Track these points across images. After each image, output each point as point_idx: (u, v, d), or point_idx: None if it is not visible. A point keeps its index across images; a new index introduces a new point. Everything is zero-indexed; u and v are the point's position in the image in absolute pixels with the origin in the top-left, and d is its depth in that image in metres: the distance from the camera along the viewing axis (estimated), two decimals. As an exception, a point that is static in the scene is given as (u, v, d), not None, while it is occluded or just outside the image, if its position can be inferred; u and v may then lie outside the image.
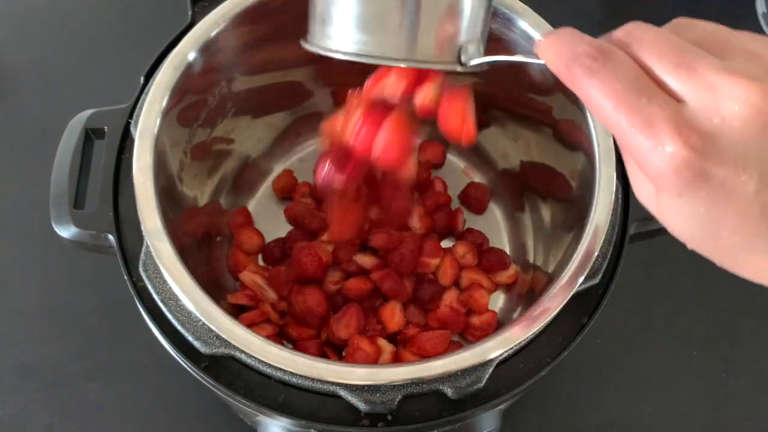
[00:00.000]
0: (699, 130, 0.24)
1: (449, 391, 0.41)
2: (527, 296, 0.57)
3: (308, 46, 0.38)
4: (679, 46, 0.25)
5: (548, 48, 0.28)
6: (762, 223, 0.25)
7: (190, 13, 0.51)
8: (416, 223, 0.60)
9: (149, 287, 0.44)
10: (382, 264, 0.58)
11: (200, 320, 0.41)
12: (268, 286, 0.57)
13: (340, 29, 0.36)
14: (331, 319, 0.55)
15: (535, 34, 0.48)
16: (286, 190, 0.64)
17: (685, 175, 0.24)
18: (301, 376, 0.41)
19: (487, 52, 0.36)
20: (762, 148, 0.24)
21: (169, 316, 0.43)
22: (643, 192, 0.28)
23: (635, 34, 0.27)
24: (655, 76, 0.26)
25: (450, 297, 0.58)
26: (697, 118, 0.24)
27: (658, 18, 0.30)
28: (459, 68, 0.36)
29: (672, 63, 0.25)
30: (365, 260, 0.58)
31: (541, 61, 0.29)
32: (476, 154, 0.65)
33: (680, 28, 0.27)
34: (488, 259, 0.60)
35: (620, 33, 0.27)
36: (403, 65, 0.35)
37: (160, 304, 0.43)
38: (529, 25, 0.48)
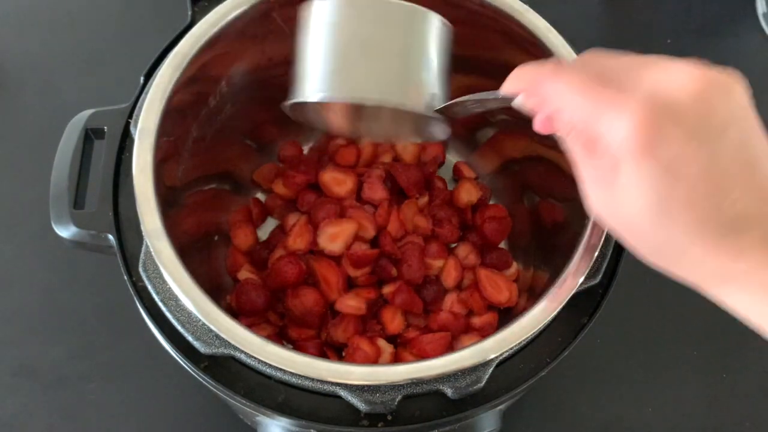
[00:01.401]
0: (656, 99, 0.26)
1: (449, 391, 0.41)
2: (527, 296, 0.57)
3: (290, 102, 0.40)
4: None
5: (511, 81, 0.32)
6: (707, 201, 0.26)
7: (190, 13, 0.51)
8: (422, 222, 0.60)
9: (149, 287, 0.44)
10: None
11: (200, 320, 0.41)
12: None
13: (322, 77, 0.38)
14: (329, 323, 0.55)
15: (535, 34, 0.48)
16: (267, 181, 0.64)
17: (647, 129, 0.26)
18: (301, 376, 0.41)
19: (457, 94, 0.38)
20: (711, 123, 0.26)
21: (169, 316, 0.43)
22: (598, 192, 0.30)
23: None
24: None
25: (451, 299, 0.58)
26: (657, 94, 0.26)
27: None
28: (426, 113, 0.38)
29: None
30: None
31: (506, 96, 0.32)
32: (476, 152, 0.65)
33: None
34: (491, 258, 0.60)
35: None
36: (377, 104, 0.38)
37: (160, 304, 0.43)
38: (528, 24, 0.48)
